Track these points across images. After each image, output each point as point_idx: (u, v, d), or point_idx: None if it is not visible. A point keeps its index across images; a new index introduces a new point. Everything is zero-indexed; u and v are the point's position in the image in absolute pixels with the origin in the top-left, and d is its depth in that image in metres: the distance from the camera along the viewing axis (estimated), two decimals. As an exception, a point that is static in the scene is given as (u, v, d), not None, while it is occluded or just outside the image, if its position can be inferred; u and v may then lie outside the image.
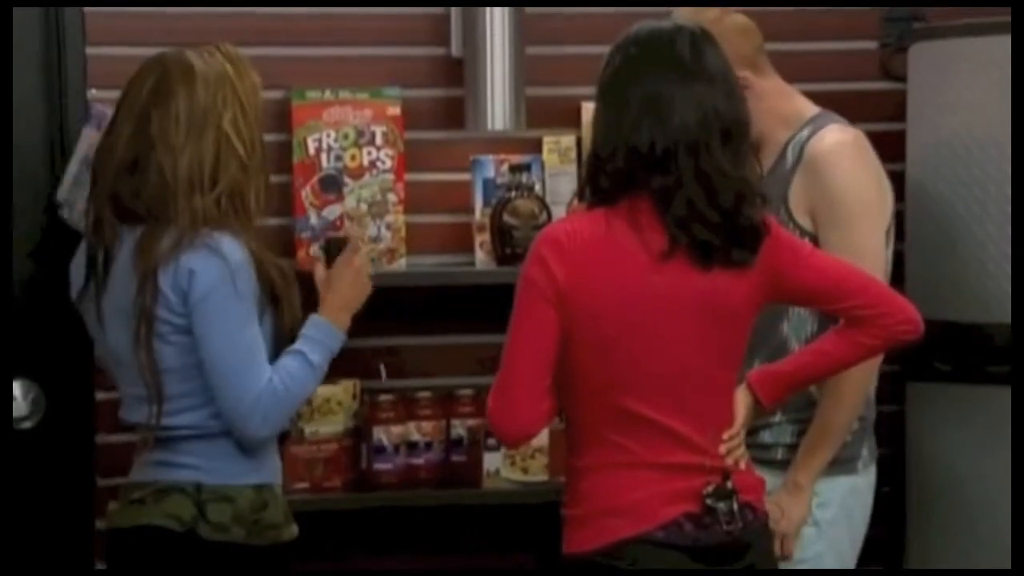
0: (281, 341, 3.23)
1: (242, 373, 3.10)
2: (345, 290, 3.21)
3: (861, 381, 3.33)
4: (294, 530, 3.28)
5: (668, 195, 3.02)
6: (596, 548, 2.99)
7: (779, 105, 3.48)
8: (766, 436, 3.40)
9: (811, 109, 3.50)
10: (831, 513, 3.37)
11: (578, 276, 3.04)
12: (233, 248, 3.14)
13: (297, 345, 3.15)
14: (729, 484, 3.01)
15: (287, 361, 3.13)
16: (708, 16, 3.40)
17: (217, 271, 3.11)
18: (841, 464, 3.37)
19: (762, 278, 3.08)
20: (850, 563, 3.43)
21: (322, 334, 3.16)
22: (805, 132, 3.46)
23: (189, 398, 3.16)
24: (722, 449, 3.07)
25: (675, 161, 3.02)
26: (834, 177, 3.41)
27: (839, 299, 3.15)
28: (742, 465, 3.11)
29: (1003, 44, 3.80)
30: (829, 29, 4.20)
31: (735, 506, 3.01)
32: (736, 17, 3.48)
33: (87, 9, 3.88)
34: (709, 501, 2.97)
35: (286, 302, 3.22)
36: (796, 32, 4.14)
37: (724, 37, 3.21)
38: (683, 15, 3.36)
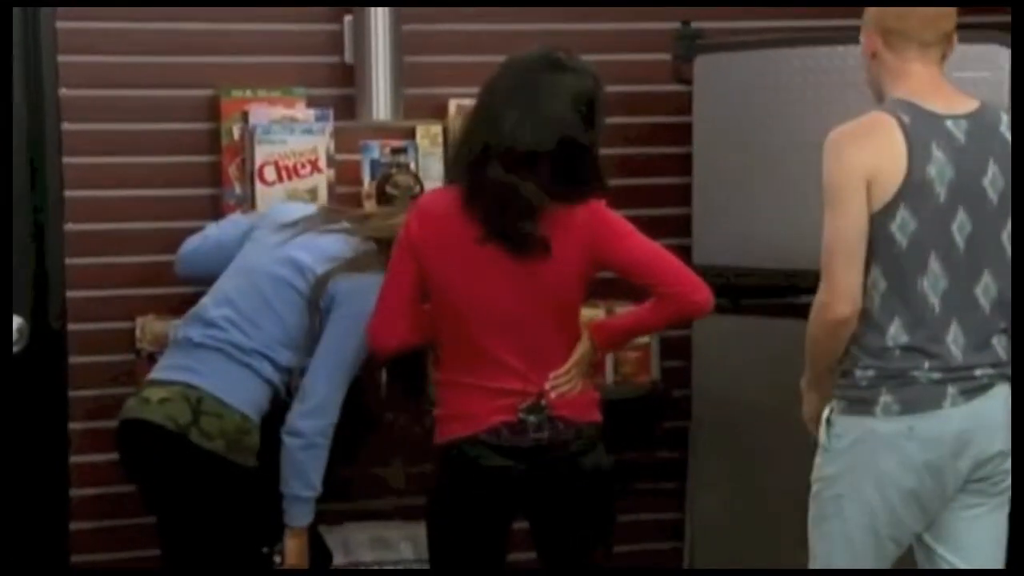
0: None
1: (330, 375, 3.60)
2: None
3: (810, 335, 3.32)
4: None
5: (468, 196, 3.37)
6: (444, 441, 3.46)
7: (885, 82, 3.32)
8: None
9: (894, 96, 3.29)
10: (843, 443, 3.29)
11: (428, 236, 3.40)
12: None
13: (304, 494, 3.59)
14: (542, 403, 3.40)
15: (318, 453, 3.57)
16: None
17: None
18: (858, 404, 3.28)
19: (583, 254, 3.37)
20: (864, 490, 3.27)
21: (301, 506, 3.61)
22: None
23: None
24: (547, 384, 3.42)
25: (476, 170, 3.34)
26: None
27: (644, 276, 3.41)
28: (565, 393, 3.42)
29: (770, 55, 4.20)
30: (632, 43, 4.53)
31: (544, 419, 3.41)
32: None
33: (59, 24, 4.17)
34: (521, 415, 3.41)
35: None
36: (606, 45, 4.43)
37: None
38: None
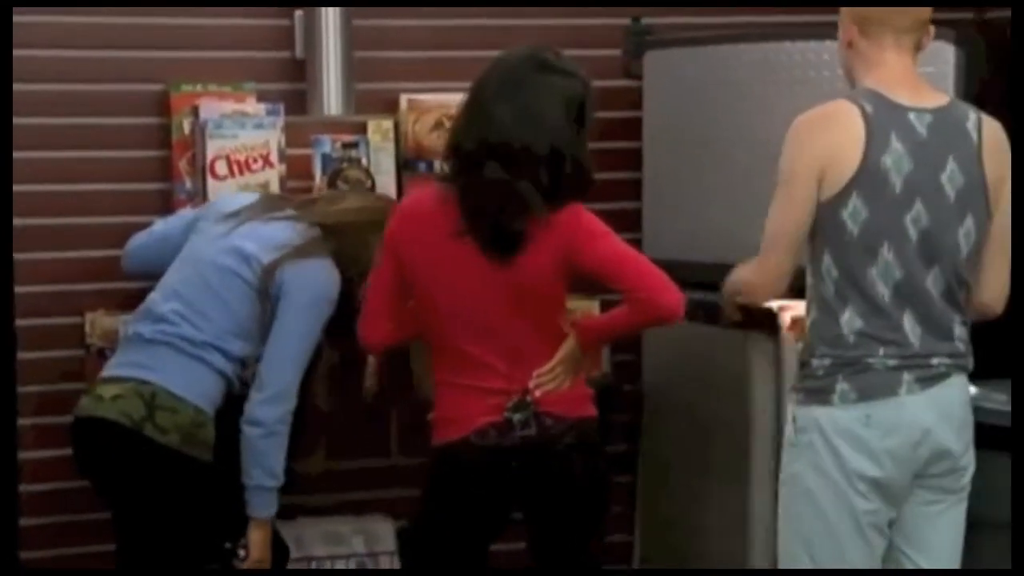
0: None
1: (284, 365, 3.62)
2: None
3: None
4: None
5: (462, 193, 3.41)
6: (439, 444, 3.53)
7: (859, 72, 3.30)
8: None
9: (864, 85, 3.27)
10: (807, 437, 3.26)
11: (406, 237, 3.46)
12: None
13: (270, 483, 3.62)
14: (528, 399, 3.44)
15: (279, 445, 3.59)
16: None
17: None
18: (816, 394, 3.27)
19: (557, 255, 3.39)
20: (838, 481, 3.23)
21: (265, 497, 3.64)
22: None
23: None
24: (531, 382, 3.46)
25: (472, 167, 3.37)
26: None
27: (616, 281, 3.43)
28: (550, 391, 3.46)
29: (719, 51, 4.27)
30: (584, 39, 4.49)
31: (530, 416, 3.44)
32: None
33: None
34: (507, 414, 3.45)
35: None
36: (556, 40, 4.09)
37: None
38: None
